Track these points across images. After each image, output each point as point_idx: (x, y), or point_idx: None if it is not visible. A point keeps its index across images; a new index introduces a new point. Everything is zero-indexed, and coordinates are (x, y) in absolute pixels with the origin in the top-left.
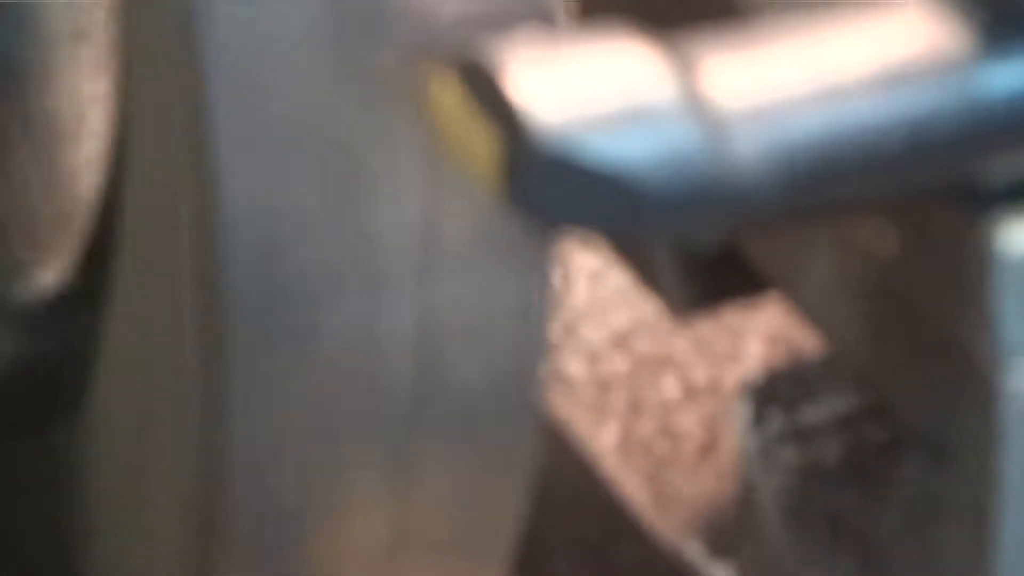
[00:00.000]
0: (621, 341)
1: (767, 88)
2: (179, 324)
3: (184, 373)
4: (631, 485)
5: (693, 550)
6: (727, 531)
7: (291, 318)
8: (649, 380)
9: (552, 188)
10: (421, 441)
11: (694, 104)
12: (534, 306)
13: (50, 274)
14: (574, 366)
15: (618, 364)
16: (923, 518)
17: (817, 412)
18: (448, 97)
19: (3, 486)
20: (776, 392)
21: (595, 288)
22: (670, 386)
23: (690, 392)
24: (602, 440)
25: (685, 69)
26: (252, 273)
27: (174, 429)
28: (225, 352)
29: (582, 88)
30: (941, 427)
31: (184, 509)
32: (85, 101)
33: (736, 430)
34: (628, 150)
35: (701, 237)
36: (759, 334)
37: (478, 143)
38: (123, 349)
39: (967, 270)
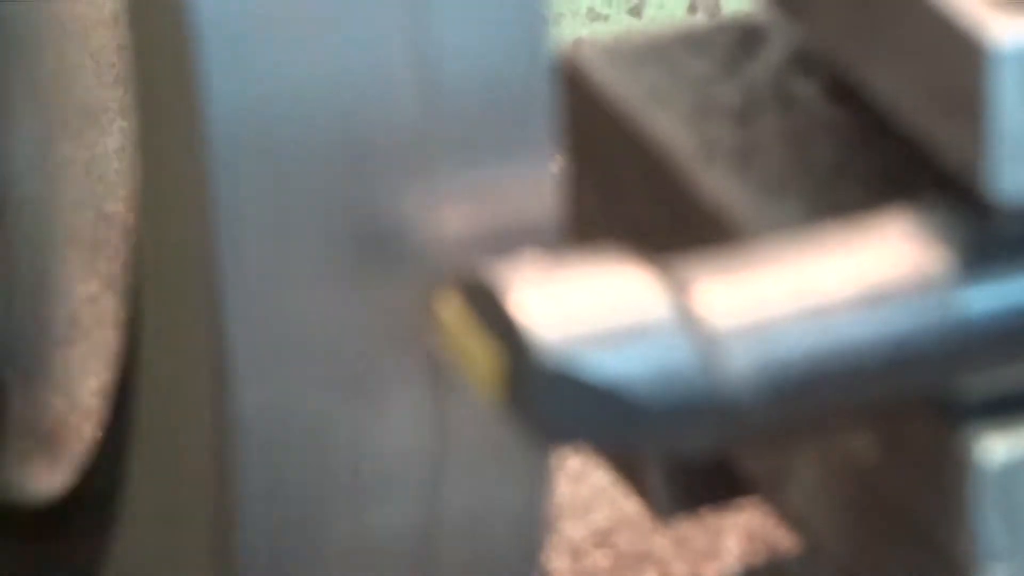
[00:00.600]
0: (603, 538)
1: (756, 307)
2: (190, 522)
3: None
4: None
5: None
6: None
7: (298, 520)
8: None
9: (552, 401)
10: None
11: (687, 322)
12: (534, 510)
13: (56, 479)
14: (557, 562)
15: (600, 560)
16: None
17: None
18: (454, 314)
19: None
20: None
21: (577, 487)
22: None
23: None
24: None
25: (679, 289)
26: (262, 478)
27: None
28: (233, 546)
29: (581, 307)
30: None
31: None
32: (77, 303)
33: None
34: (625, 366)
35: (694, 450)
36: (737, 532)
37: (482, 358)
38: (133, 555)
39: (947, 479)
